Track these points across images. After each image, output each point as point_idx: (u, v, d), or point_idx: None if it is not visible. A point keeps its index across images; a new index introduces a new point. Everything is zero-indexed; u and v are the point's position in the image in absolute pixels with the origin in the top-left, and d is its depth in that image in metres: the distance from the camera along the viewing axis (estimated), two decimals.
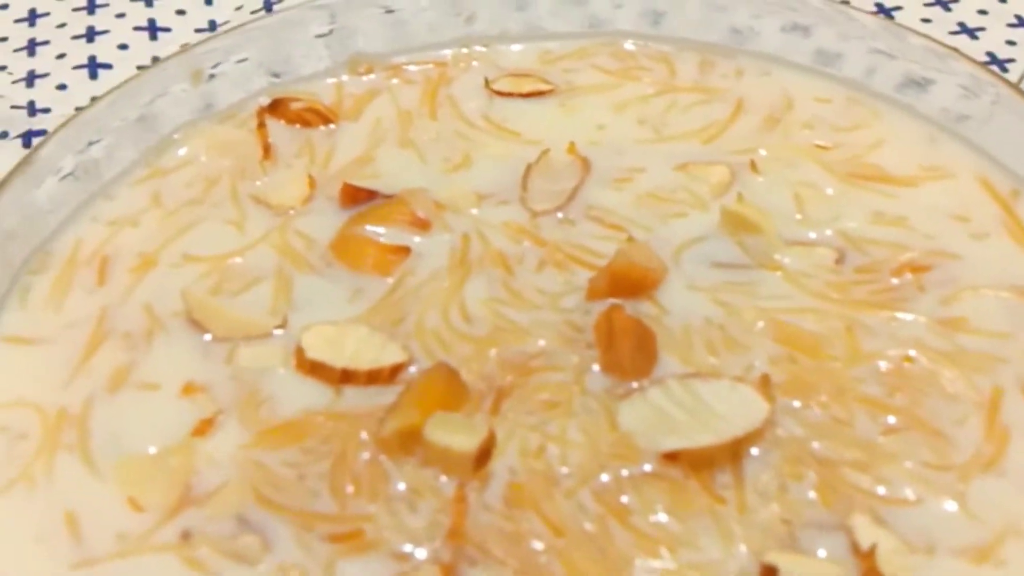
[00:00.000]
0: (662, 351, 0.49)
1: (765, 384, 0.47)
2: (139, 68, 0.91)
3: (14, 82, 0.89)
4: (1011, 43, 0.76)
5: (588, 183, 0.58)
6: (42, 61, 0.90)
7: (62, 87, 0.89)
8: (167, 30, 0.88)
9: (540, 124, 0.61)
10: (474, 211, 0.57)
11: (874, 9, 0.78)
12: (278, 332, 0.51)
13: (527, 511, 0.44)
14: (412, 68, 0.65)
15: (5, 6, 0.90)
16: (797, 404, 0.47)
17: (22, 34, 0.91)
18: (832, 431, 0.46)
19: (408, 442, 0.46)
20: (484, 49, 0.66)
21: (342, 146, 0.61)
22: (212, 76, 0.63)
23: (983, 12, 0.80)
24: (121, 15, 0.89)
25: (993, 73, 0.60)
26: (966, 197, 0.57)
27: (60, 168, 0.56)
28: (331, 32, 0.65)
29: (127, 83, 0.60)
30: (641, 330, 0.50)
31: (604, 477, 0.45)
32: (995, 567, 0.42)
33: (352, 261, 0.54)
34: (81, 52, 0.90)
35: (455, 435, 0.45)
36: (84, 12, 0.90)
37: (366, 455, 0.46)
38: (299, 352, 0.49)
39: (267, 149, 0.60)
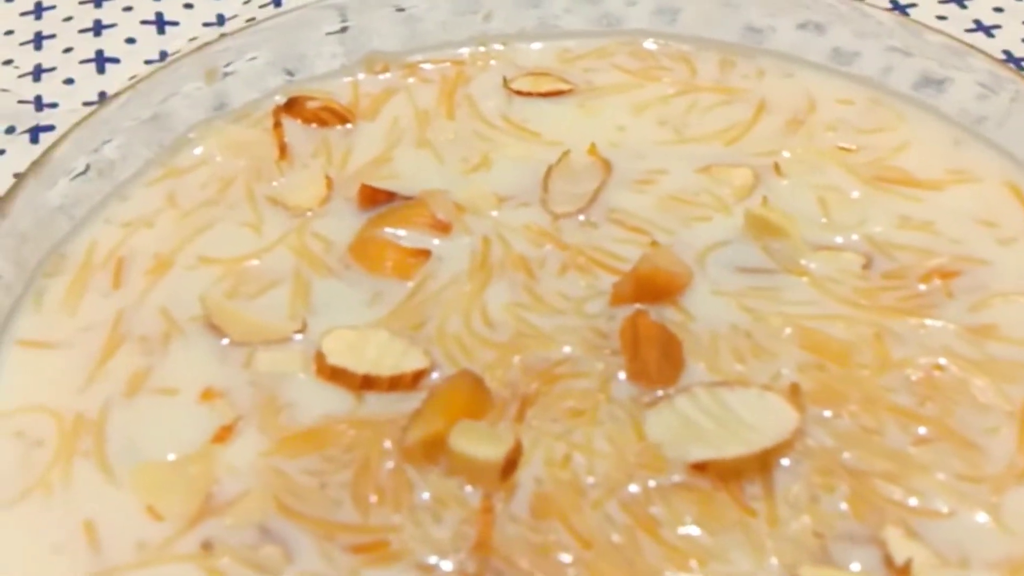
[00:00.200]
0: (688, 358, 0.49)
1: (795, 393, 0.46)
2: (147, 63, 0.90)
3: (20, 76, 0.88)
4: None
5: (609, 185, 0.57)
6: (49, 55, 0.89)
7: (69, 81, 0.88)
8: (175, 24, 0.87)
9: (560, 124, 0.61)
10: (494, 213, 0.56)
11: (889, 6, 0.77)
12: (297, 337, 0.50)
13: (554, 522, 0.43)
14: (429, 67, 0.64)
15: None
16: (827, 414, 0.46)
17: (28, 27, 0.90)
18: (863, 441, 0.46)
19: (432, 451, 0.45)
20: (502, 47, 0.65)
21: (359, 146, 0.60)
22: (226, 74, 0.62)
23: (999, 10, 0.79)
24: (128, 8, 0.88)
25: (1012, 70, 0.59)
26: (992, 201, 0.56)
27: (73, 169, 0.56)
28: (345, 30, 0.64)
29: (141, 82, 0.60)
30: (667, 337, 0.49)
31: (632, 487, 0.44)
32: None
33: (371, 264, 0.53)
34: (88, 46, 0.89)
35: (481, 444, 0.44)
36: (91, 5, 0.89)
37: (390, 464, 0.45)
38: (319, 357, 0.49)
39: (283, 149, 0.59)
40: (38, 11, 0.89)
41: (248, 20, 0.80)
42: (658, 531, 0.43)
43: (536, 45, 0.65)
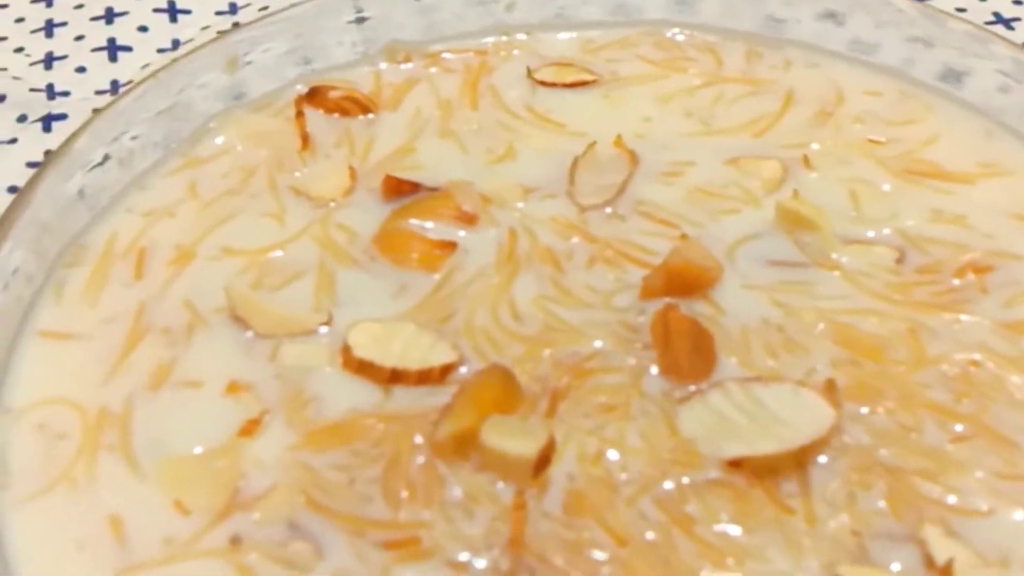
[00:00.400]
0: (720, 353, 0.48)
1: (831, 389, 0.46)
2: (159, 51, 0.90)
3: (32, 64, 0.87)
4: None
5: (636, 177, 0.56)
6: (60, 43, 0.88)
7: (81, 70, 0.87)
8: (187, 12, 0.86)
9: (584, 115, 0.60)
10: (520, 205, 0.55)
11: None
12: (322, 329, 0.50)
13: (587, 519, 0.43)
14: (451, 56, 0.64)
15: None
16: (863, 410, 0.46)
17: (39, 15, 0.89)
18: (899, 439, 0.45)
19: (463, 446, 0.44)
20: (525, 37, 0.64)
21: (382, 136, 0.59)
22: (246, 64, 0.61)
23: (1018, 2, 0.79)
24: None
25: None
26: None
27: (93, 158, 0.55)
28: (366, 19, 0.63)
29: (161, 71, 0.59)
30: (698, 331, 0.49)
31: (666, 484, 0.44)
32: None
33: (397, 256, 0.52)
34: (100, 34, 0.88)
35: (513, 439, 0.43)
36: None
37: (420, 459, 0.44)
38: (346, 350, 0.48)
39: (305, 139, 0.58)
40: None
41: (261, 9, 0.79)
42: (693, 529, 0.42)
43: (559, 35, 0.65)
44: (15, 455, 0.45)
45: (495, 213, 0.54)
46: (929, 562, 0.41)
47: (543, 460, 0.43)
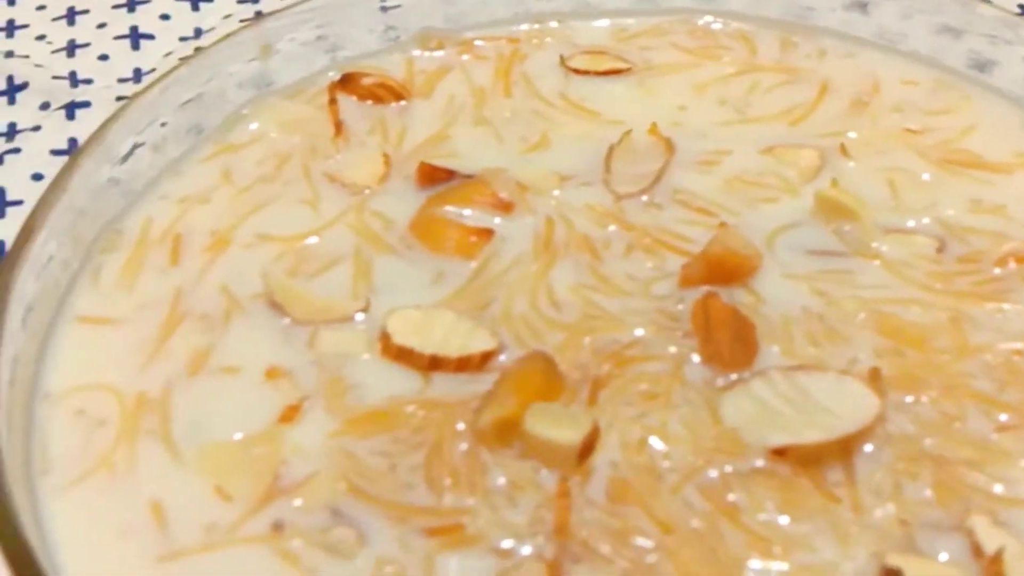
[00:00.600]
0: (761, 342, 0.48)
1: (875, 378, 0.45)
2: (181, 40, 0.89)
3: (54, 52, 0.87)
4: None
5: (672, 165, 0.56)
6: (82, 31, 0.88)
7: (104, 58, 0.87)
8: (209, 0, 0.86)
9: (619, 104, 0.60)
10: (556, 193, 0.55)
11: None
12: (359, 316, 0.49)
13: (632, 507, 0.42)
14: (483, 44, 0.63)
15: None
16: (907, 399, 0.45)
17: (60, 2, 0.89)
18: (944, 428, 0.45)
19: (506, 433, 0.44)
20: (557, 25, 0.64)
21: (415, 124, 0.59)
22: (279, 50, 0.61)
23: None
24: None
25: None
26: None
27: (127, 145, 0.54)
28: (398, 6, 0.63)
29: (192, 58, 0.58)
30: (739, 319, 0.48)
31: (710, 473, 0.43)
32: None
33: (434, 243, 0.52)
34: (122, 22, 0.88)
35: (557, 427, 0.43)
36: None
37: (463, 446, 0.44)
38: (385, 337, 0.48)
39: (339, 126, 0.58)
40: None
41: None
42: (739, 517, 0.42)
43: (592, 23, 0.64)
44: (55, 441, 0.45)
45: (531, 201, 0.54)
46: (977, 551, 0.41)
47: (587, 448, 0.43)
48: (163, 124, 0.57)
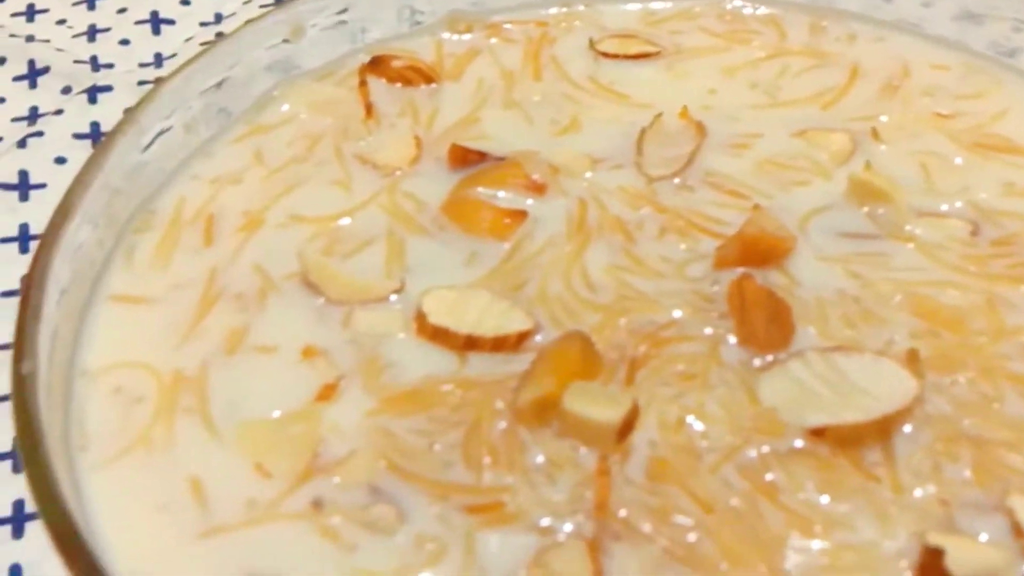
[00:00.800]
0: (797, 323, 0.48)
1: (913, 359, 0.45)
2: (202, 25, 0.89)
3: (74, 36, 0.87)
4: None
5: (704, 148, 0.56)
6: (102, 15, 0.88)
7: (125, 42, 0.87)
8: None
9: (649, 87, 0.60)
10: (588, 175, 0.55)
11: None
12: (393, 297, 0.49)
13: (671, 486, 0.42)
14: (511, 27, 0.63)
15: None
16: (945, 381, 0.45)
17: None
18: (982, 409, 0.45)
19: (545, 412, 0.44)
20: (585, 8, 0.64)
21: (446, 106, 0.59)
22: (308, 32, 0.61)
23: None
24: None
25: None
26: None
27: (160, 125, 0.54)
28: None
29: (225, 40, 0.58)
30: (774, 301, 0.48)
31: (749, 452, 0.43)
32: None
33: (467, 224, 0.52)
34: (142, 7, 0.88)
35: (597, 406, 0.43)
36: None
37: (502, 425, 0.44)
38: (420, 317, 0.48)
39: (369, 108, 0.58)
40: None
41: None
42: (778, 497, 0.42)
43: (621, 7, 0.64)
44: (92, 418, 0.45)
45: (564, 183, 0.54)
46: (1018, 531, 0.41)
47: (626, 427, 0.43)
48: (195, 105, 0.56)
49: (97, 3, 0.88)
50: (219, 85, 0.58)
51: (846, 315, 0.48)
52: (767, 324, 0.47)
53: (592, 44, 0.62)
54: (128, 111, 0.53)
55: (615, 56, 0.61)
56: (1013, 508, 0.42)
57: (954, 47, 0.61)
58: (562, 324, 0.48)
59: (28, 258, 0.70)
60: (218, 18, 0.88)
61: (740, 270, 0.50)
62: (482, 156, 0.55)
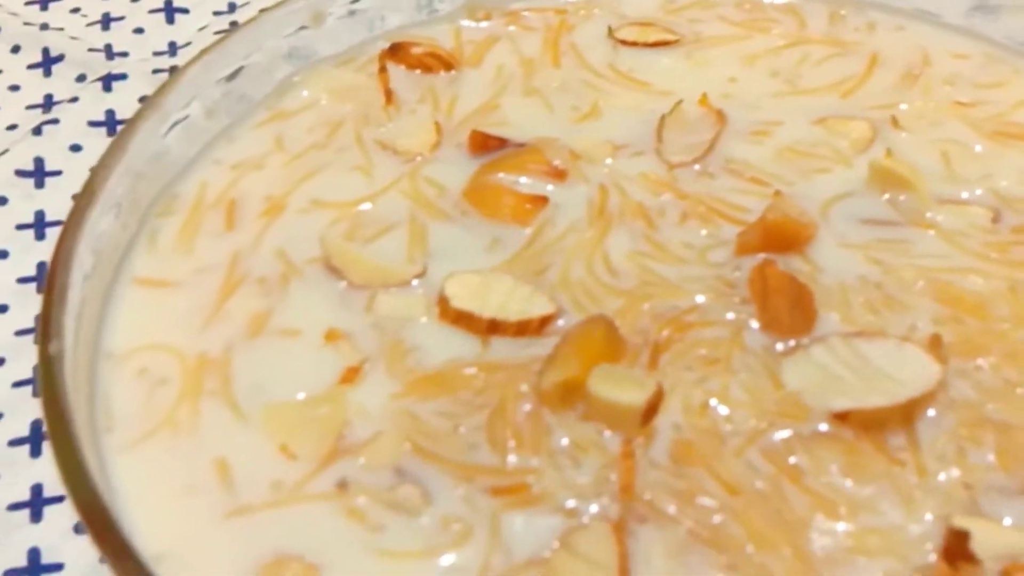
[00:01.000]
0: (820, 309, 0.48)
1: (936, 345, 0.46)
2: (215, 14, 0.89)
3: (88, 25, 0.87)
4: None
5: (724, 136, 0.56)
6: (116, 4, 0.88)
7: (139, 31, 0.87)
8: None
9: (669, 75, 0.60)
10: (609, 161, 0.55)
11: None
12: (415, 281, 0.50)
13: (697, 469, 0.43)
14: (530, 15, 0.63)
15: None
16: (969, 366, 0.45)
17: None
18: (1006, 394, 0.45)
19: (569, 395, 0.44)
20: None
21: (465, 93, 0.59)
22: (327, 20, 0.61)
23: None
24: None
25: None
26: None
27: (181, 110, 0.54)
28: None
29: (245, 25, 0.58)
30: (797, 286, 0.48)
31: (773, 436, 0.43)
32: None
33: (489, 210, 0.52)
34: None
35: (622, 389, 0.43)
36: None
37: (526, 407, 0.44)
38: (443, 301, 0.48)
39: (389, 94, 0.58)
40: None
41: None
42: (803, 480, 0.42)
43: None
44: (118, 399, 0.45)
45: (584, 169, 0.54)
46: None
47: (651, 410, 0.43)
48: (214, 92, 0.56)
49: None
50: (239, 72, 0.58)
51: (868, 301, 0.48)
52: (790, 309, 0.47)
53: (611, 32, 0.62)
54: (150, 96, 0.53)
55: (634, 44, 0.61)
56: None
57: (974, 36, 0.61)
58: (585, 309, 0.48)
59: (44, 245, 0.71)
60: (231, 7, 0.88)
61: (762, 256, 0.50)
62: (502, 142, 0.55)
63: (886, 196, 0.52)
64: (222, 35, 0.59)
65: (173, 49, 0.85)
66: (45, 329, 0.43)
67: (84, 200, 0.48)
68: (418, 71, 0.60)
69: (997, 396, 0.45)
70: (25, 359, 0.64)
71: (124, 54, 0.85)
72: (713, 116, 0.57)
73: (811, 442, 0.43)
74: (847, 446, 0.43)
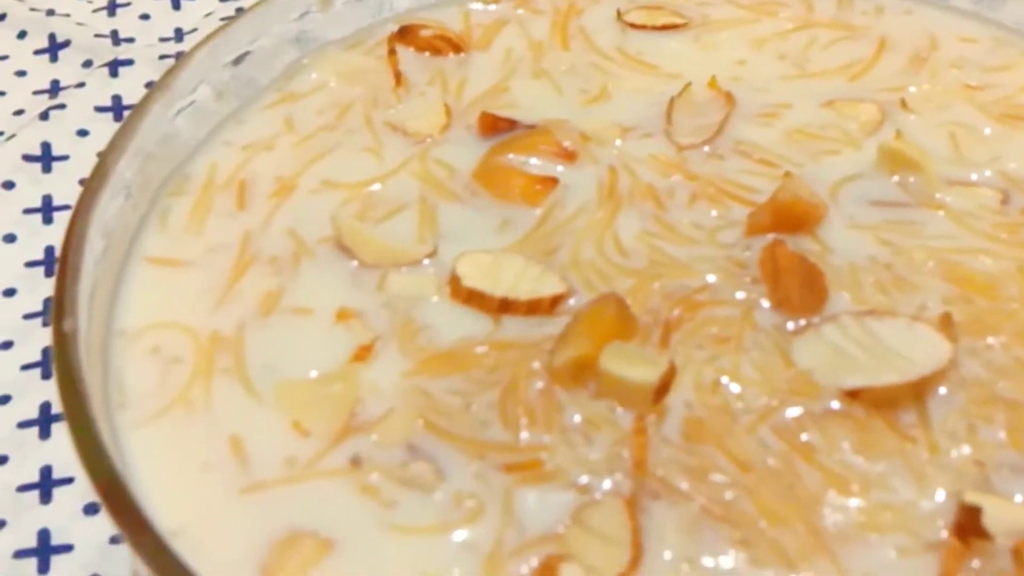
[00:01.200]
0: (831, 288, 0.48)
1: (947, 323, 0.46)
2: (221, 0, 0.89)
3: (95, 11, 0.87)
4: None
5: (733, 118, 0.56)
6: None
7: (145, 17, 0.87)
8: None
9: (677, 58, 0.60)
10: (618, 143, 0.55)
11: None
12: (426, 261, 0.50)
13: (708, 446, 0.43)
14: None
15: None
16: (979, 345, 0.46)
17: None
18: (1017, 373, 0.45)
19: (581, 373, 0.44)
20: None
21: (474, 75, 0.59)
22: (335, 4, 0.61)
23: None
24: None
25: None
26: None
27: (191, 92, 0.54)
28: None
29: (252, 9, 0.58)
30: (807, 266, 0.48)
31: (785, 413, 0.44)
32: None
33: (499, 190, 0.52)
34: None
35: (634, 366, 0.43)
36: None
37: (539, 385, 0.44)
38: (454, 280, 0.48)
39: (398, 77, 0.58)
40: None
41: None
42: (815, 456, 0.42)
43: None
44: (131, 377, 0.46)
45: (594, 151, 0.54)
46: None
47: (663, 387, 0.43)
48: (222, 75, 0.57)
49: None
50: (247, 55, 0.58)
51: (879, 281, 0.48)
52: (800, 289, 0.48)
53: (619, 15, 0.62)
54: (159, 79, 0.53)
55: (643, 27, 0.61)
56: None
57: (982, 20, 0.61)
58: (595, 288, 0.48)
59: (52, 229, 0.71)
60: None
61: (772, 236, 0.50)
62: (512, 124, 0.55)
63: (895, 178, 0.53)
64: (229, 19, 0.59)
65: (179, 35, 0.86)
66: (59, 307, 0.43)
67: (95, 180, 0.48)
68: (427, 54, 0.60)
69: (1008, 374, 0.45)
70: (33, 342, 0.65)
71: (130, 40, 0.85)
72: (722, 98, 0.57)
73: (823, 420, 0.44)
74: (858, 423, 0.43)
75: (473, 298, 0.48)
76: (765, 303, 0.47)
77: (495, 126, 0.55)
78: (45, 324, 0.65)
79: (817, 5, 0.63)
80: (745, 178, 0.53)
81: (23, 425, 0.61)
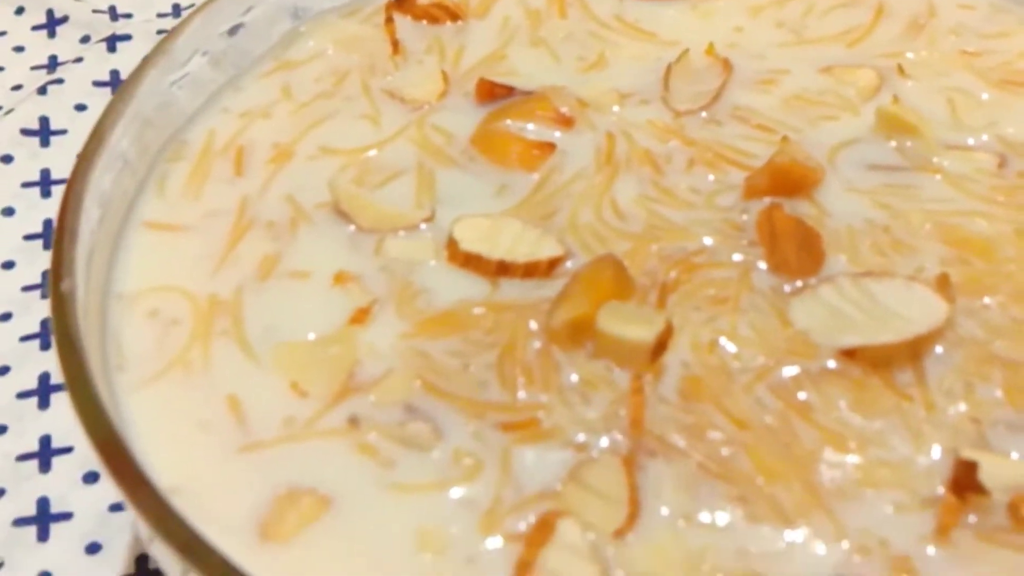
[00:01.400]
0: (828, 251, 0.48)
1: (944, 283, 0.46)
2: None
3: None
4: None
5: (731, 84, 0.56)
6: None
7: None
8: None
9: (675, 26, 0.60)
10: (616, 109, 0.55)
11: None
12: (423, 226, 0.50)
13: (705, 404, 0.43)
14: None
15: None
16: (976, 305, 0.46)
17: None
18: (1013, 332, 0.45)
19: (578, 333, 0.44)
20: None
21: (472, 43, 0.59)
22: None
23: None
24: None
25: None
26: None
27: (189, 57, 0.54)
28: None
29: None
30: (804, 229, 0.48)
31: (782, 373, 0.44)
32: None
33: (497, 156, 0.52)
34: None
35: (631, 325, 0.43)
36: None
37: (536, 345, 0.44)
38: (452, 244, 0.48)
39: (396, 45, 0.58)
40: None
41: None
42: (811, 415, 0.43)
43: None
44: (129, 339, 0.46)
45: (591, 116, 0.54)
46: None
47: (660, 346, 0.43)
48: (218, 44, 0.56)
49: None
50: (241, 26, 0.58)
51: (876, 244, 0.48)
52: (797, 251, 0.48)
53: None
54: (156, 45, 0.53)
55: None
56: None
57: None
58: (593, 251, 0.48)
59: (50, 202, 0.71)
60: None
61: (768, 200, 0.50)
62: (510, 91, 0.55)
63: (893, 142, 0.53)
64: None
65: (177, 11, 0.85)
66: (57, 268, 0.43)
67: (93, 144, 0.48)
68: (424, 22, 0.60)
69: (1004, 334, 0.45)
70: (32, 314, 0.65)
71: (128, 16, 0.84)
72: (719, 65, 0.57)
73: (819, 379, 0.44)
74: (855, 382, 0.43)
75: (471, 261, 0.48)
76: (762, 265, 0.47)
77: (493, 92, 0.55)
78: (43, 296, 0.65)
79: None
80: (742, 143, 0.53)
81: (22, 396, 0.61)
